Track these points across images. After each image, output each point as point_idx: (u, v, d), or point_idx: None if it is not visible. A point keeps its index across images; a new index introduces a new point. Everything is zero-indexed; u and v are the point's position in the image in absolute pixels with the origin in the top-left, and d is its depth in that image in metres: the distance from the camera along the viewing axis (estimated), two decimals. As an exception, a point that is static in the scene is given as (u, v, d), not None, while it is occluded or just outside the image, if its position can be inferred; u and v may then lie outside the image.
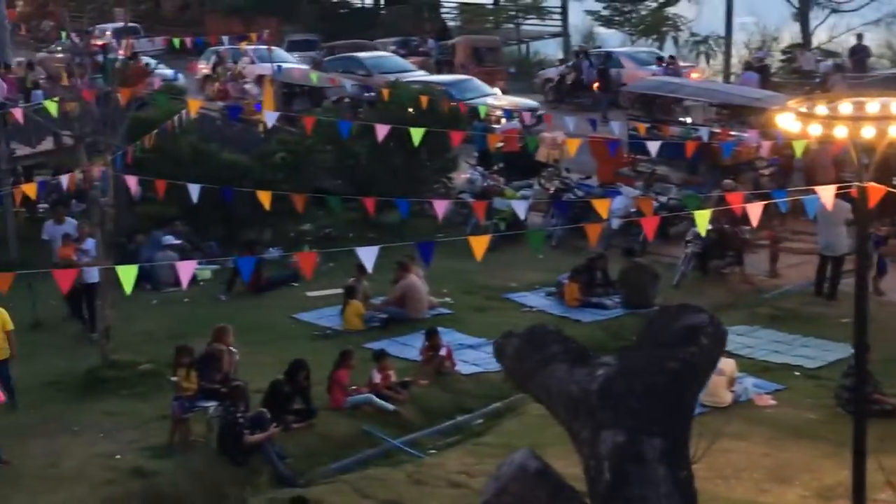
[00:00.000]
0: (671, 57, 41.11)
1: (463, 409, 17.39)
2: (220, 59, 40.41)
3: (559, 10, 54.55)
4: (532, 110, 32.30)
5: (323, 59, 42.52)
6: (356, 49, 43.65)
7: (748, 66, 39.37)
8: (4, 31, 30.29)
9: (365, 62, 39.75)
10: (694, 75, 39.50)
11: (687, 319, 7.01)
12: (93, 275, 18.92)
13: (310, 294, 22.40)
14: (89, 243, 19.68)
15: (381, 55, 41.95)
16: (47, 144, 26.88)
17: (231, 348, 16.93)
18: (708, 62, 50.56)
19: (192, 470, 14.93)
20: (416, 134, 20.88)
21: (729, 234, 22.38)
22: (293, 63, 39.51)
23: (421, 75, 38.39)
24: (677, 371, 6.90)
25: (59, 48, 44.03)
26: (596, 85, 39.43)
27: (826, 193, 13.44)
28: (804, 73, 40.11)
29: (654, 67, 38.71)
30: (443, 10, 58.24)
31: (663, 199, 24.60)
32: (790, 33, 50.29)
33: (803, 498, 13.41)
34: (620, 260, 22.08)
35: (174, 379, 15.97)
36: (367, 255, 14.16)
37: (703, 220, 15.16)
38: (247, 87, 37.09)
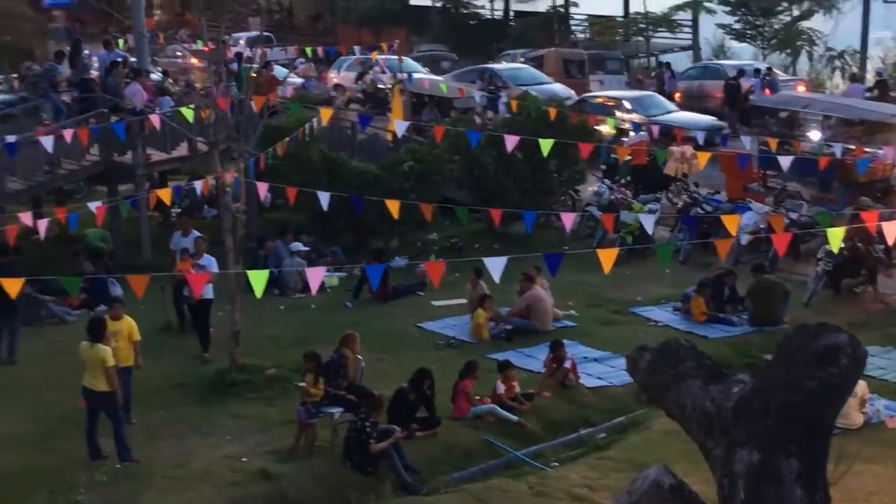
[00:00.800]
0: (769, 69, 40.58)
1: (586, 423, 17.29)
2: (367, 68, 40.57)
3: (690, 23, 54.10)
4: (717, 129, 31.73)
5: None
6: (436, 59, 44.22)
7: (854, 79, 38.58)
8: (143, 39, 30.96)
9: (500, 73, 39.69)
10: (800, 88, 38.85)
11: (826, 339, 6.87)
12: (208, 291, 19.00)
13: (435, 303, 22.50)
14: (206, 260, 19.67)
15: (517, 66, 41.87)
16: (181, 150, 27.36)
17: (357, 355, 17.07)
18: (843, 77, 49.65)
19: (316, 475, 15.06)
20: (546, 145, 20.87)
21: (862, 252, 21.94)
22: (423, 73, 39.76)
23: (559, 87, 38.14)
24: (815, 391, 6.76)
25: (178, 53, 45.07)
26: (678, 95, 39.20)
27: (966, 212, 13.11)
28: None
29: (753, 80, 38.19)
30: (572, 21, 58.12)
31: (794, 215, 24.23)
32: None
33: (936, 525, 13.07)
34: (749, 276, 21.77)
35: (301, 384, 16.14)
36: (495, 266, 14.22)
37: (835, 237, 14.91)
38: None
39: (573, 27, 58.14)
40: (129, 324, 16.28)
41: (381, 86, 37.90)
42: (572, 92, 38.16)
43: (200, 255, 19.84)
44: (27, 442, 16.02)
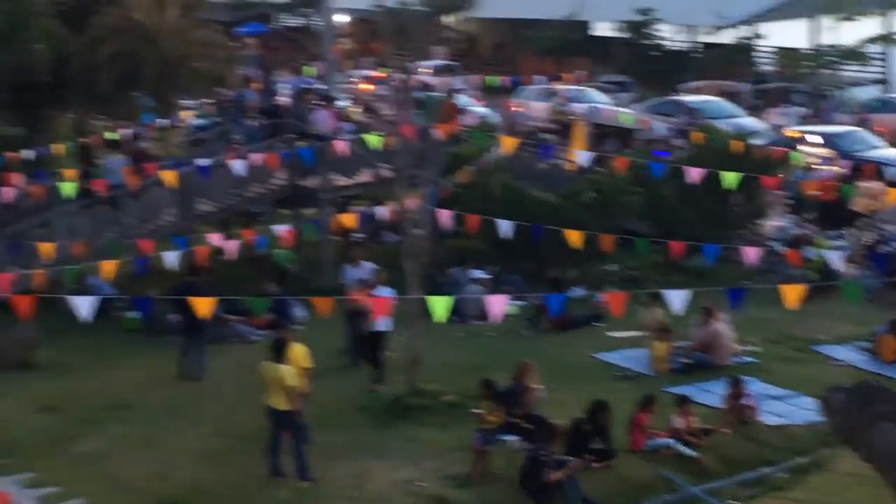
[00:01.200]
0: None
1: (765, 461, 16.94)
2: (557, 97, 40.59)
3: (882, 56, 52.82)
4: None
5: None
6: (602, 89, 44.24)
7: None
8: (333, 67, 31.66)
9: (690, 106, 39.11)
10: None
11: None
12: (383, 323, 18.80)
13: (612, 334, 22.36)
14: (383, 291, 19.11)
15: (708, 99, 41.19)
16: (364, 176, 27.76)
17: (534, 385, 17.07)
18: None
19: (492, 502, 15.10)
20: (731, 177, 20.63)
21: None
22: (605, 104, 39.65)
23: (749, 121, 37.38)
24: None
25: (354, 80, 45.89)
26: None
27: None
28: None
29: None
30: (759, 53, 57.22)
31: None
32: None
33: None
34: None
35: (478, 411, 16.21)
36: (677, 299, 14.13)
37: None
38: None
39: (759, 59, 57.21)
40: (298, 351, 16.28)
41: (571, 117, 37.87)
42: (765, 125, 37.51)
43: (375, 286, 19.55)
44: (213, 457, 16.48)
